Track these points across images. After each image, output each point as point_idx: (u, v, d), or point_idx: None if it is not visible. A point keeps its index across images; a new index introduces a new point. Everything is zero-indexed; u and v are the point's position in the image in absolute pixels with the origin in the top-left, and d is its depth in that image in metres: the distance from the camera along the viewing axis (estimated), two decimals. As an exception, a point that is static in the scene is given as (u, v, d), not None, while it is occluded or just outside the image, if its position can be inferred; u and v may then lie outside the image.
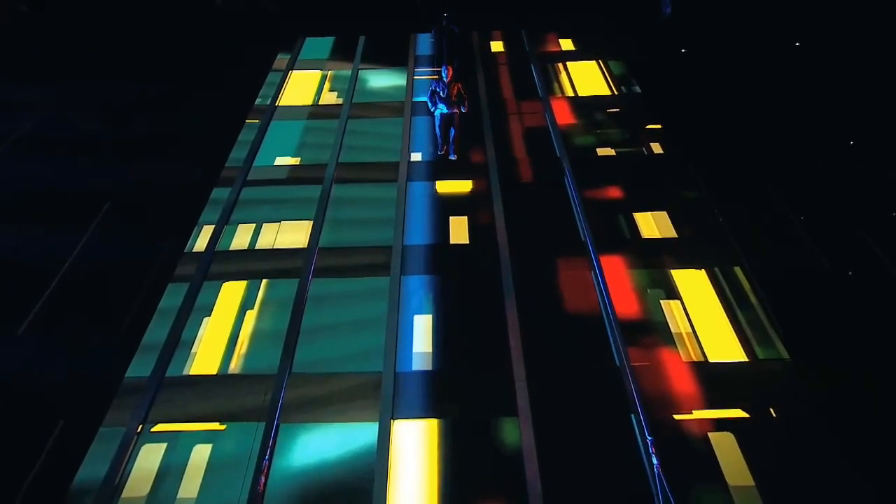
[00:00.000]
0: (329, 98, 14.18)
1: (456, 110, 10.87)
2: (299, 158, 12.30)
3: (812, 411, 7.59)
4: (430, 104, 10.97)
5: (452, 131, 11.28)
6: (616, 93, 13.92)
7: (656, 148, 12.22)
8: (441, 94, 10.74)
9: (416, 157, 12.24)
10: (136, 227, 10.59)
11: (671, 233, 10.28)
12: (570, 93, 14.07)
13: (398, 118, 13.31)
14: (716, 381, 8.00)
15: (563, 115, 13.23)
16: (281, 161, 12.23)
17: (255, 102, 13.91)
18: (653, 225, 10.42)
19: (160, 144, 12.73)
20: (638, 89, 14.10)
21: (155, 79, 15.32)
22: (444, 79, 10.65)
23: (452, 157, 11.54)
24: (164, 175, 11.76)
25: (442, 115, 10.99)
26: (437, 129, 11.36)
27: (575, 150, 12.15)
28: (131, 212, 11.03)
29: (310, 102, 14.00)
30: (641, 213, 10.63)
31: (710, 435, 7.40)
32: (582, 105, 13.58)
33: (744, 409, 7.69)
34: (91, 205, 11.17)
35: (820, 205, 10.62)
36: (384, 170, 11.86)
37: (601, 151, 12.20)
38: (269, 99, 13.96)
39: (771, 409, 7.66)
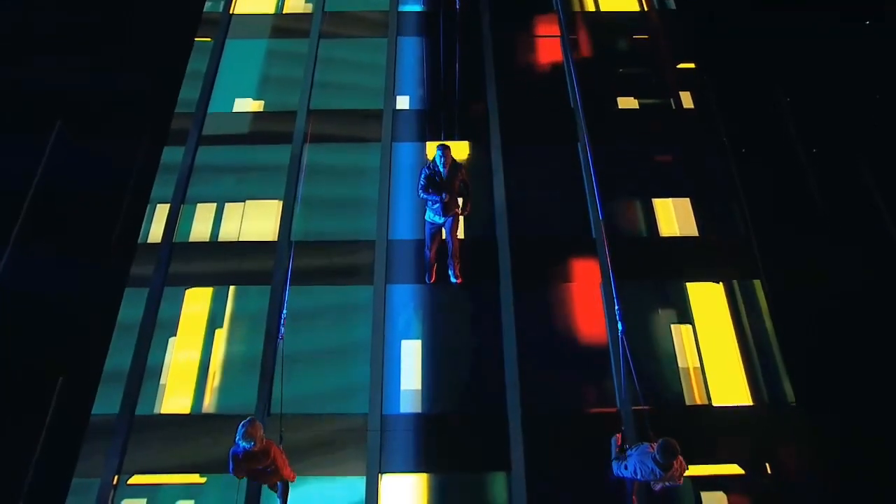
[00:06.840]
0: (296, 4, 11.41)
1: (456, 214, 7.50)
2: (262, 102, 10.25)
3: (809, 471, 7.33)
4: (421, 190, 7.30)
5: (450, 244, 7.77)
6: (646, 8, 11.29)
7: (686, 99, 10.28)
8: (436, 182, 7.19)
9: (403, 102, 10.27)
10: (74, 217, 8.74)
11: (692, 229, 9.10)
12: (590, 6, 11.41)
13: (381, 38, 10.89)
14: (717, 431, 7.65)
15: (582, 42, 10.87)
16: (241, 105, 10.20)
17: (204, 9, 11.10)
18: (672, 218, 9.17)
19: (89, 80, 9.92)
20: (672, 4, 11.43)
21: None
22: (441, 167, 7.17)
23: (454, 281, 8.12)
24: (98, 136, 9.30)
25: (434, 223, 7.56)
26: (427, 240, 7.78)
27: (592, 99, 10.11)
28: (63, 202, 8.73)
29: (272, 10, 11.29)
30: (662, 199, 9.28)
31: (703, 494, 7.29)
32: (604, 26, 11.10)
33: (740, 465, 7.48)
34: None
35: (862, 209, 9.08)
36: (365, 123, 9.97)
37: (623, 103, 10.26)
38: (222, 4, 11.15)
39: (767, 465, 7.45)
